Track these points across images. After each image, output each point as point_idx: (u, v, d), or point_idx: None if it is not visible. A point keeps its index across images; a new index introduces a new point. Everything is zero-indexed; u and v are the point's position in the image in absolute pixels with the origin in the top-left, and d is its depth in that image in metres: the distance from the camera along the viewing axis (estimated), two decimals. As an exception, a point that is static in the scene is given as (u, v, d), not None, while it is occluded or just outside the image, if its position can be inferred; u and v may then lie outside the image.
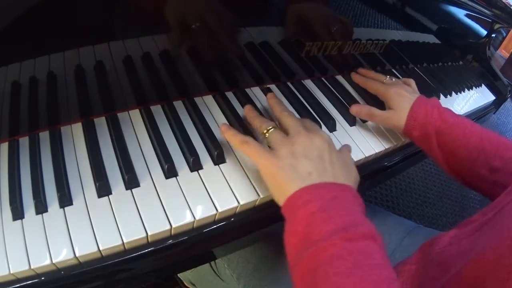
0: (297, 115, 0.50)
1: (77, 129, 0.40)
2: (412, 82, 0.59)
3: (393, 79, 0.58)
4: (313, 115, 0.52)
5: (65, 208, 0.33)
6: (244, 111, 0.45)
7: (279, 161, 0.35)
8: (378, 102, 0.58)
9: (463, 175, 0.50)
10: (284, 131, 0.39)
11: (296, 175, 0.34)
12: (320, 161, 0.36)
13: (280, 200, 0.34)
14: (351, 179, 0.37)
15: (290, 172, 0.34)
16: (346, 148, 0.44)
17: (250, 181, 0.40)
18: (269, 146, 0.39)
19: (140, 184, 0.37)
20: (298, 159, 0.35)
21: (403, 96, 0.52)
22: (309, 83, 0.59)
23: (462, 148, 0.48)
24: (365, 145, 0.52)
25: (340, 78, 0.64)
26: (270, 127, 0.39)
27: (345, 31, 0.57)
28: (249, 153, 0.38)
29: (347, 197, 0.33)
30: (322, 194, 0.32)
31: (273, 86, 0.55)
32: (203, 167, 0.40)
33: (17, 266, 0.29)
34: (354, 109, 0.53)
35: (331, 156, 0.37)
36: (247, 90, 0.52)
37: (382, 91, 0.55)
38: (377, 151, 0.52)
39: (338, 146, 0.49)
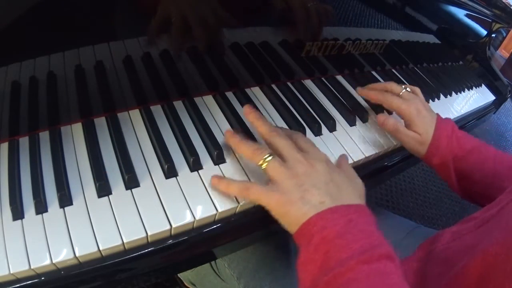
0: (297, 116, 0.50)
1: (77, 129, 0.40)
2: (418, 91, 0.56)
3: (409, 89, 0.54)
4: (313, 115, 0.52)
5: (65, 208, 0.33)
6: (225, 137, 0.41)
7: (287, 197, 0.34)
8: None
9: (476, 198, 0.51)
10: (275, 152, 0.37)
11: (308, 207, 0.33)
12: (328, 186, 0.35)
13: (293, 229, 0.34)
14: (359, 193, 0.37)
15: (302, 205, 0.33)
16: (344, 161, 0.43)
17: (250, 181, 0.40)
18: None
19: (140, 184, 0.37)
20: (307, 190, 0.34)
21: (424, 117, 0.50)
22: (309, 83, 0.59)
23: (477, 174, 0.48)
24: (365, 145, 0.52)
25: (340, 78, 0.64)
26: (267, 156, 0.36)
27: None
28: (254, 199, 0.36)
29: (361, 218, 0.33)
30: (336, 219, 0.32)
31: (273, 86, 0.55)
32: (203, 167, 0.40)
33: (17, 266, 0.29)
34: (381, 119, 0.51)
35: (335, 177, 0.36)
36: (247, 90, 0.52)
37: (403, 109, 0.51)
38: (377, 151, 0.52)
39: (338, 146, 0.49)
